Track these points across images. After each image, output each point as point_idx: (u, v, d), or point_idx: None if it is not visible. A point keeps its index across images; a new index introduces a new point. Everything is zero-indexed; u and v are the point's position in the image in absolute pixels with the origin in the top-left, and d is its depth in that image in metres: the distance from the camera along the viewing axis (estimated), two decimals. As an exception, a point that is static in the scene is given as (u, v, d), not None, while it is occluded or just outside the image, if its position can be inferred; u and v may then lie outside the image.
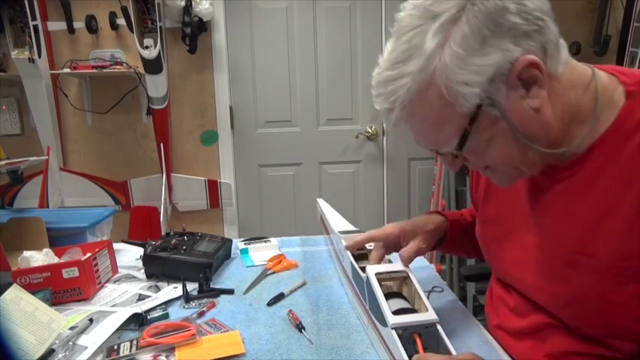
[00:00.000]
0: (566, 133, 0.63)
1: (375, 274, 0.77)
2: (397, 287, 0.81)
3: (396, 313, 0.69)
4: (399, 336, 0.66)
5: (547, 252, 0.69)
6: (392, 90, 0.60)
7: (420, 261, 1.17)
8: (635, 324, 0.61)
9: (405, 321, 0.67)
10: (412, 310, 0.71)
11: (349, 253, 0.90)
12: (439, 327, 0.67)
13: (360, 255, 0.93)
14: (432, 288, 0.97)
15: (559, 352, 0.69)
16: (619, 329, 0.63)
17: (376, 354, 0.74)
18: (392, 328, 0.66)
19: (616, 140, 0.61)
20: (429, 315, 0.69)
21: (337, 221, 1.13)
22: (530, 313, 0.73)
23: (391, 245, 0.88)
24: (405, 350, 0.64)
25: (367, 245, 0.92)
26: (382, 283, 0.77)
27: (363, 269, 0.80)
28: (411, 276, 0.79)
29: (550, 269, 0.68)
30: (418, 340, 0.65)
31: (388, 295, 0.74)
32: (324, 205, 1.25)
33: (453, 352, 0.64)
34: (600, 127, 0.62)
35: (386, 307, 0.70)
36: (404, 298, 0.76)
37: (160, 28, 2.25)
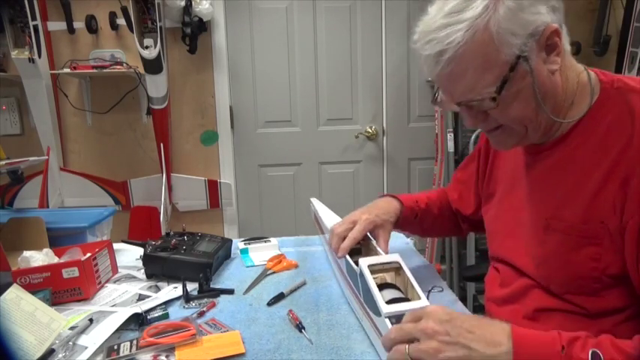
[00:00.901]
0: (564, 108, 0.75)
1: (368, 266, 0.77)
2: (390, 278, 0.81)
3: (389, 302, 0.70)
4: (393, 325, 0.66)
5: (530, 220, 0.81)
6: (448, 34, 0.67)
7: (420, 260, 1.18)
8: (592, 282, 0.72)
9: (398, 309, 0.68)
10: (405, 299, 0.72)
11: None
12: None
13: (354, 250, 0.93)
14: (432, 288, 0.97)
15: (532, 311, 0.80)
16: (578, 286, 0.73)
17: (376, 354, 0.74)
18: (385, 317, 0.67)
19: (589, 125, 0.74)
20: (421, 302, 0.70)
21: (331, 220, 1.14)
22: (514, 281, 0.85)
23: None
24: None
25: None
26: (375, 275, 0.77)
27: (357, 263, 0.81)
28: (404, 266, 0.80)
29: (531, 235, 0.80)
30: None
31: (381, 286, 0.75)
32: (317, 205, 1.25)
33: None
34: (580, 113, 0.75)
35: (379, 296, 0.70)
36: (397, 288, 0.77)
37: (160, 28, 2.25)
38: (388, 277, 0.82)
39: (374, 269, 0.78)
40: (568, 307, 0.75)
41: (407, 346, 0.62)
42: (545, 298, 0.78)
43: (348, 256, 0.88)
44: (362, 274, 0.77)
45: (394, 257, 0.82)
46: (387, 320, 0.67)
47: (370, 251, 0.95)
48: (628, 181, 0.67)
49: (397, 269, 0.81)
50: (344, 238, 0.92)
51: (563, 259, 0.74)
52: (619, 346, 0.60)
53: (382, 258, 0.83)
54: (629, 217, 0.66)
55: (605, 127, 0.72)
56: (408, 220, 1.05)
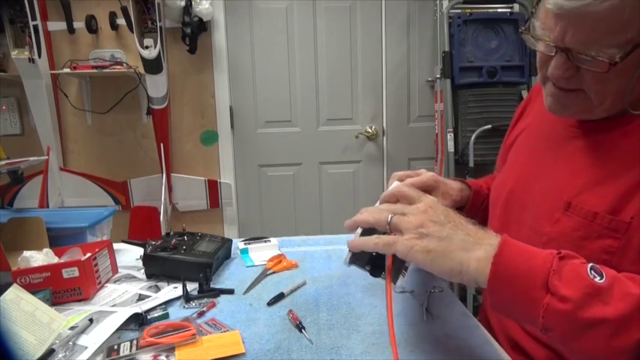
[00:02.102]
0: (638, 100, 0.67)
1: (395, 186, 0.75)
2: None
3: None
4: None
5: (548, 198, 0.74)
6: None
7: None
8: None
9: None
10: None
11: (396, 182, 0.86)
12: None
13: None
14: (433, 288, 0.97)
15: None
16: None
17: (376, 353, 0.74)
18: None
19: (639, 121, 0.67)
20: None
21: None
22: None
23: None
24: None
25: None
26: None
27: None
28: None
29: (548, 211, 0.73)
30: None
31: None
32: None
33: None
34: None
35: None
36: None
37: (160, 28, 2.25)
38: None
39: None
40: None
41: (391, 215, 0.59)
42: None
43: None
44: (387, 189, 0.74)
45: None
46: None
47: None
48: None
49: None
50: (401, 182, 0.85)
51: (575, 245, 0.68)
52: (628, 274, 0.57)
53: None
54: None
55: None
56: (476, 207, 0.97)
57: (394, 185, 0.68)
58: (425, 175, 0.87)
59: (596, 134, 0.73)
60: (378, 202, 0.72)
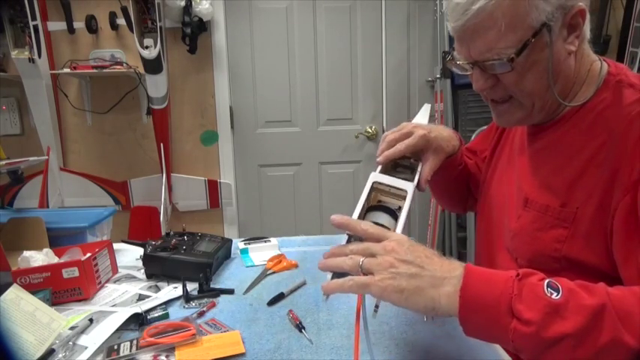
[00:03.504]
0: (571, 93, 0.76)
1: (374, 182, 0.75)
2: (400, 205, 0.75)
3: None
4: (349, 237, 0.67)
5: (516, 198, 0.83)
6: None
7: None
8: (552, 262, 0.73)
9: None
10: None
11: (379, 168, 0.82)
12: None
13: (403, 166, 0.85)
14: None
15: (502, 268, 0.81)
16: (540, 263, 0.74)
17: (376, 353, 0.74)
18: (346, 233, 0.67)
19: (582, 113, 0.75)
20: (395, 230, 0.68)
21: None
22: (492, 248, 0.90)
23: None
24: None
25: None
26: (387, 198, 0.74)
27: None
28: (407, 199, 0.73)
29: (515, 210, 0.82)
30: None
31: (377, 208, 0.73)
32: (424, 110, 1.01)
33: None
34: (583, 100, 0.75)
35: (357, 209, 0.71)
36: (394, 215, 0.72)
37: (160, 28, 2.25)
38: (398, 204, 0.74)
39: (380, 188, 0.75)
40: None
41: (362, 259, 0.62)
42: (512, 266, 0.79)
43: (380, 167, 0.81)
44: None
45: (406, 185, 0.74)
46: (345, 236, 0.67)
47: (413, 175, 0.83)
48: (614, 172, 0.67)
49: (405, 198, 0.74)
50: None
51: (532, 236, 0.76)
52: (582, 283, 0.60)
53: (395, 181, 0.75)
54: (616, 206, 0.66)
55: (594, 115, 0.73)
56: (454, 165, 0.96)
57: (362, 224, 0.67)
58: (415, 136, 0.84)
59: (549, 134, 0.79)
60: (356, 212, 0.72)
